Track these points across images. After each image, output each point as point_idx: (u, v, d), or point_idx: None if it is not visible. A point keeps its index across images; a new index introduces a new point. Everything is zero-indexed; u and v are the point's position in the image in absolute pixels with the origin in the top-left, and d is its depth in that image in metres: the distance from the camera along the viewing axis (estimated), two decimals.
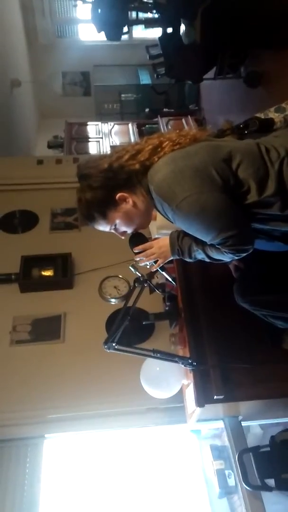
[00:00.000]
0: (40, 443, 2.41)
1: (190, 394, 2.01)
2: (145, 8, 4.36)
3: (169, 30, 4.15)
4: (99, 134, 5.90)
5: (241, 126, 1.99)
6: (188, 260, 1.58)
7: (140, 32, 6.94)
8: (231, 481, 2.45)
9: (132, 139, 5.78)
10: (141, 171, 1.42)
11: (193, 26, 3.59)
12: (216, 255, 1.47)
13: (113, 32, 4.24)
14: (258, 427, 2.71)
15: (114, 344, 1.71)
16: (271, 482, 1.94)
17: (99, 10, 4.08)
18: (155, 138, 1.46)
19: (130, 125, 6.08)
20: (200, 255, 1.52)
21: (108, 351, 1.72)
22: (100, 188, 1.46)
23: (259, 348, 2.01)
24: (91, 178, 1.47)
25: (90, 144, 5.75)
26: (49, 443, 2.47)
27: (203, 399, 1.84)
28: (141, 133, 5.95)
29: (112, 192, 1.46)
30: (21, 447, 2.36)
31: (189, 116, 6.10)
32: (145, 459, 2.74)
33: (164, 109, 6.54)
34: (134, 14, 4.72)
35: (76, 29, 7.36)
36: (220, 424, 2.26)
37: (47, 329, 2.77)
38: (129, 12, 4.51)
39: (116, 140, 5.78)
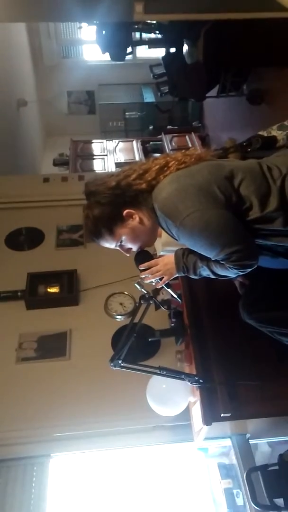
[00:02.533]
0: (46, 462, 2.39)
1: (197, 412, 2.00)
2: (149, 29, 4.46)
3: (172, 50, 4.24)
4: (104, 152, 5.97)
5: (245, 144, 2.03)
6: (193, 277, 1.59)
7: (143, 52, 7.08)
8: (240, 501, 2.41)
9: (137, 156, 5.85)
10: (147, 190, 1.45)
11: (196, 46, 3.66)
12: (221, 271, 1.48)
13: (117, 53, 4.34)
14: (266, 445, 2.67)
15: (120, 362, 1.71)
16: (280, 501, 1.91)
17: (104, 32, 4.18)
18: (161, 158, 1.50)
19: (134, 142, 6.16)
20: (205, 272, 1.53)
21: (114, 368, 1.72)
22: (108, 204, 1.49)
23: (266, 364, 2.00)
24: (99, 195, 1.50)
25: (95, 161, 5.81)
26: (55, 462, 2.45)
27: (210, 417, 1.83)
28: (145, 150, 6.03)
29: (119, 208, 1.49)
30: (27, 466, 2.34)
31: (192, 133, 6.16)
32: (152, 478, 2.70)
33: (168, 127, 6.64)
34: (137, 34, 4.83)
35: (81, 50, 7.52)
36: (227, 442, 2.24)
37: (53, 346, 2.77)
38: (133, 33, 4.62)
39: (121, 157, 5.85)
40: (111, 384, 2.45)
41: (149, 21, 4.25)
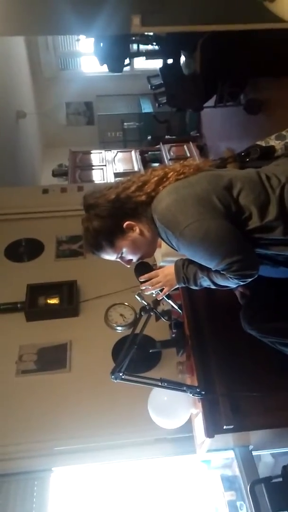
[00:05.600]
0: (47, 476, 2.36)
1: (199, 424, 1.98)
2: (146, 41, 4.50)
3: (170, 61, 4.27)
4: (102, 162, 6.00)
5: (243, 154, 2.03)
6: (193, 287, 1.59)
7: (141, 63, 7.14)
8: None
9: (136, 166, 5.87)
10: (147, 202, 1.45)
11: (193, 57, 3.70)
12: (222, 282, 1.47)
13: (115, 64, 4.37)
14: (270, 456, 2.64)
15: (121, 374, 1.70)
16: None
17: (101, 44, 4.21)
18: (160, 169, 1.50)
19: (133, 152, 6.19)
20: (205, 282, 1.53)
21: (115, 381, 1.70)
22: (108, 217, 1.49)
23: (268, 375, 1.98)
24: (99, 207, 1.50)
25: (94, 172, 5.84)
26: (56, 476, 2.42)
27: (212, 429, 1.81)
28: (144, 160, 6.06)
29: (119, 220, 1.49)
30: (27, 480, 2.31)
31: (190, 143, 6.19)
32: (154, 490, 2.67)
33: (166, 136, 6.66)
34: (135, 46, 4.87)
35: (79, 62, 7.59)
36: (230, 454, 2.21)
37: (53, 358, 2.75)
38: (130, 45, 4.66)
39: (120, 168, 5.87)
40: (112, 396, 2.43)
41: (146, 33, 4.29)
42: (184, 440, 2.35)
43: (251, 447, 2.14)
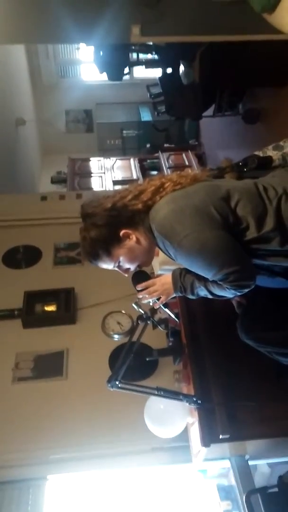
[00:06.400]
0: (42, 484, 2.34)
1: (195, 433, 1.98)
2: (146, 50, 4.54)
3: (169, 70, 4.31)
4: (101, 170, 6.02)
5: (240, 164, 2.04)
6: (190, 297, 1.59)
7: (141, 72, 7.19)
8: None
9: (134, 174, 5.90)
10: (143, 211, 1.45)
11: (192, 67, 3.73)
12: (219, 292, 1.48)
13: (115, 73, 4.40)
14: (266, 466, 2.63)
15: (117, 383, 1.70)
16: None
17: (101, 53, 4.25)
18: (156, 179, 1.51)
19: (132, 160, 6.22)
20: (202, 292, 1.53)
21: (112, 389, 1.70)
22: (104, 225, 1.49)
23: (265, 385, 1.98)
24: (96, 216, 1.50)
25: (93, 179, 5.85)
26: (51, 484, 2.40)
27: (208, 438, 1.81)
28: (142, 168, 6.08)
29: (116, 229, 1.49)
30: (22, 489, 2.30)
31: (189, 151, 6.22)
32: (150, 499, 2.65)
33: (165, 145, 6.70)
34: (135, 55, 4.91)
35: (79, 70, 7.63)
36: (226, 464, 2.21)
37: (49, 366, 2.74)
38: (130, 54, 4.70)
39: (119, 175, 5.89)
40: (108, 404, 2.42)
41: (146, 43, 4.33)
42: (181, 449, 2.35)
43: (247, 456, 2.14)
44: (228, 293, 1.46)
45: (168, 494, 2.69)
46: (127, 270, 1.61)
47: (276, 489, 1.98)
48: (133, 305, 1.80)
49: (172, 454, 2.41)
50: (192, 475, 2.69)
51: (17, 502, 2.25)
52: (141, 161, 6.21)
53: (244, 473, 2.11)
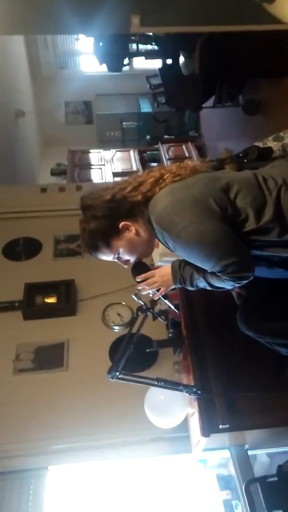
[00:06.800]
0: (43, 474, 2.37)
1: (195, 423, 1.99)
2: (145, 41, 4.50)
3: (169, 61, 4.28)
4: (101, 161, 5.99)
5: (241, 155, 2.04)
6: (190, 288, 1.59)
7: (140, 62, 7.14)
8: None
9: (134, 166, 5.88)
10: (143, 202, 1.45)
11: (192, 58, 3.70)
12: (218, 283, 1.48)
13: (114, 64, 4.37)
14: (265, 455, 2.65)
15: (117, 374, 1.71)
16: None
17: (101, 43, 4.21)
18: (156, 170, 1.51)
19: (131, 152, 6.19)
20: (201, 283, 1.53)
21: (112, 380, 1.71)
22: (104, 217, 1.49)
23: (264, 375, 1.99)
24: (95, 208, 1.50)
25: (92, 171, 5.83)
26: (52, 474, 2.42)
27: (208, 428, 1.82)
28: (142, 160, 6.05)
29: (115, 221, 1.49)
30: (24, 479, 2.32)
31: (189, 143, 6.19)
32: (150, 489, 2.68)
33: (165, 136, 6.66)
34: (134, 46, 4.87)
35: (78, 61, 7.58)
36: (226, 453, 2.22)
37: (50, 357, 2.76)
38: (129, 44, 4.66)
39: (118, 167, 5.87)
40: (108, 395, 2.44)
41: (145, 33, 4.29)
42: (180, 440, 2.37)
43: (246, 446, 2.16)
44: (227, 285, 1.47)
45: (168, 484, 2.72)
46: (127, 261, 1.61)
47: (275, 479, 2.00)
48: (133, 296, 1.80)
49: (172, 444, 2.43)
50: (192, 465, 2.71)
51: (19, 492, 2.28)
52: (141, 153, 6.18)
53: (244, 463, 2.13)
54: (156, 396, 2.07)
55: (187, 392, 1.86)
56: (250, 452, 2.19)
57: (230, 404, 1.87)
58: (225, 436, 1.95)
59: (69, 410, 2.50)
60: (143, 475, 2.70)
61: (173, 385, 1.86)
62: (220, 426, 1.81)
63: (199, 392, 1.85)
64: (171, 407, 2.06)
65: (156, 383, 1.81)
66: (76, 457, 2.42)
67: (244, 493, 1.96)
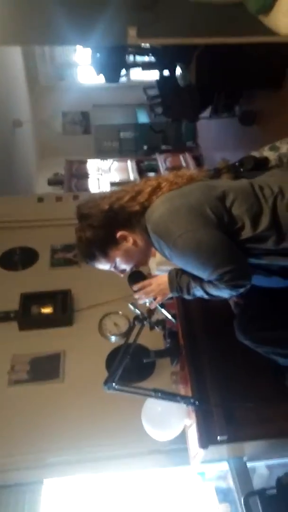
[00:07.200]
0: (38, 488, 2.32)
1: (193, 435, 1.96)
2: (142, 52, 4.55)
3: (166, 72, 4.31)
4: (98, 171, 6.02)
5: (237, 164, 2.04)
6: (187, 297, 1.58)
7: (138, 74, 7.20)
8: None
9: (131, 176, 5.90)
10: (140, 212, 1.45)
11: (189, 69, 3.73)
12: (215, 292, 1.47)
13: (112, 75, 4.41)
14: (264, 467, 2.62)
15: (114, 385, 1.69)
16: None
17: (98, 55, 4.25)
18: (153, 180, 1.51)
19: (129, 162, 6.23)
20: (198, 292, 1.52)
21: (108, 391, 1.69)
22: (101, 227, 1.49)
23: (262, 385, 1.97)
24: (92, 217, 1.50)
25: (89, 181, 5.85)
26: (47, 488, 2.38)
27: (206, 440, 1.80)
28: (140, 170, 6.08)
29: (112, 231, 1.49)
30: (18, 493, 2.27)
31: (186, 153, 6.23)
32: (148, 502, 2.64)
33: (162, 146, 6.70)
34: (131, 57, 4.92)
35: (76, 72, 7.64)
36: (224, 466, 2.19)
37: (46, 368, 2.72)
38: (126, 56, 4.71)
39: (116, 177, 5.90)
40: (105, 407, 2.40)
41: (142, 45, 4.33)
42: (178, 452, 2.33)
43: (245, 458, 2.13)
44: (224, 293, 1.46)
45: (166, 497, 2.68)
46: (123, 271, 1.61)
47: (274, 491, 1.97)
48: (129, 305, 1.79)
49: (170, 457, 2.39)
50: (190, 478, 2.67)
51: (14, 507, 2.23)
52: (138, 163, 6.22)
53: (243, 475, 2.10)
54: (154, 407, 2.04)
55: (184, 403, 1.84)
56: (249, 464, 2.16)
57: (228, 415, 1.84)
58: (223, 447, 1.92)
59: (65, 422, 2.46)
60: (140, 488, 2.66)
61: (171, 396, 1.84)
62: (218, 438, 1.79)
63: (196, 403, 1.83)
64: (169, 418, 2.03)
65: (153, 394, 1.79)
66: (72, 470, 2.38)
67: (243, 506, 1.93)
